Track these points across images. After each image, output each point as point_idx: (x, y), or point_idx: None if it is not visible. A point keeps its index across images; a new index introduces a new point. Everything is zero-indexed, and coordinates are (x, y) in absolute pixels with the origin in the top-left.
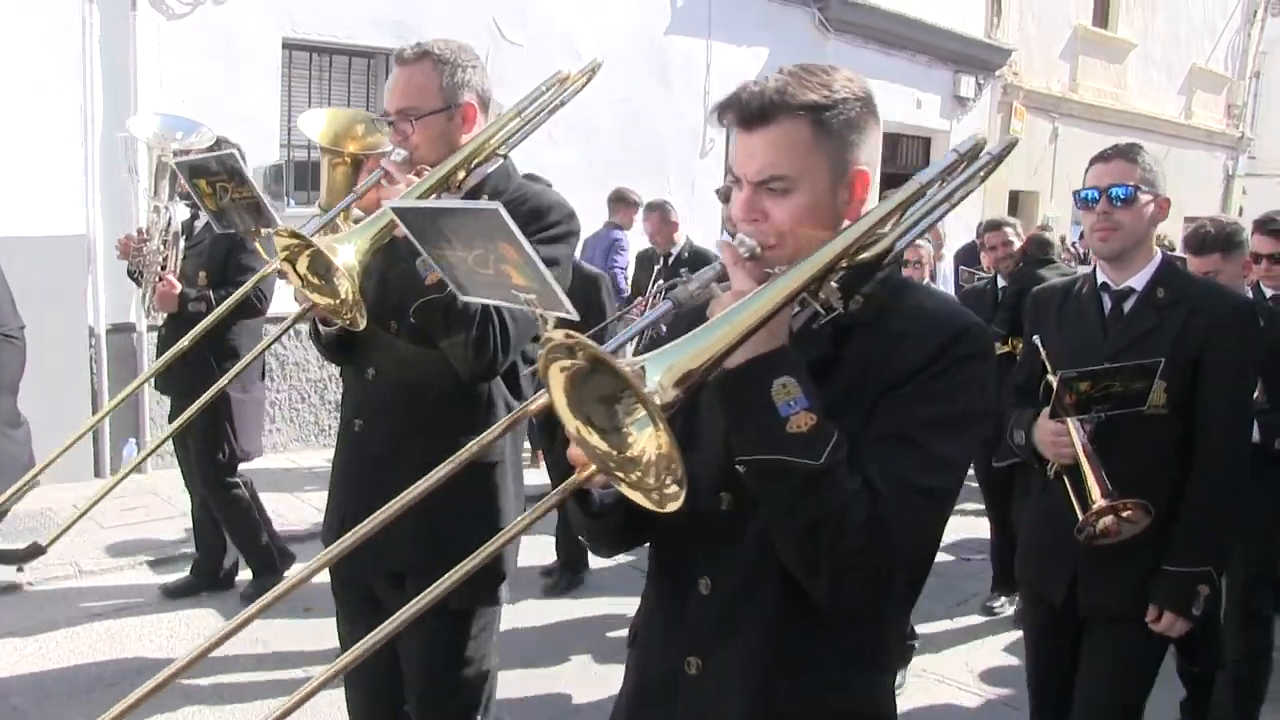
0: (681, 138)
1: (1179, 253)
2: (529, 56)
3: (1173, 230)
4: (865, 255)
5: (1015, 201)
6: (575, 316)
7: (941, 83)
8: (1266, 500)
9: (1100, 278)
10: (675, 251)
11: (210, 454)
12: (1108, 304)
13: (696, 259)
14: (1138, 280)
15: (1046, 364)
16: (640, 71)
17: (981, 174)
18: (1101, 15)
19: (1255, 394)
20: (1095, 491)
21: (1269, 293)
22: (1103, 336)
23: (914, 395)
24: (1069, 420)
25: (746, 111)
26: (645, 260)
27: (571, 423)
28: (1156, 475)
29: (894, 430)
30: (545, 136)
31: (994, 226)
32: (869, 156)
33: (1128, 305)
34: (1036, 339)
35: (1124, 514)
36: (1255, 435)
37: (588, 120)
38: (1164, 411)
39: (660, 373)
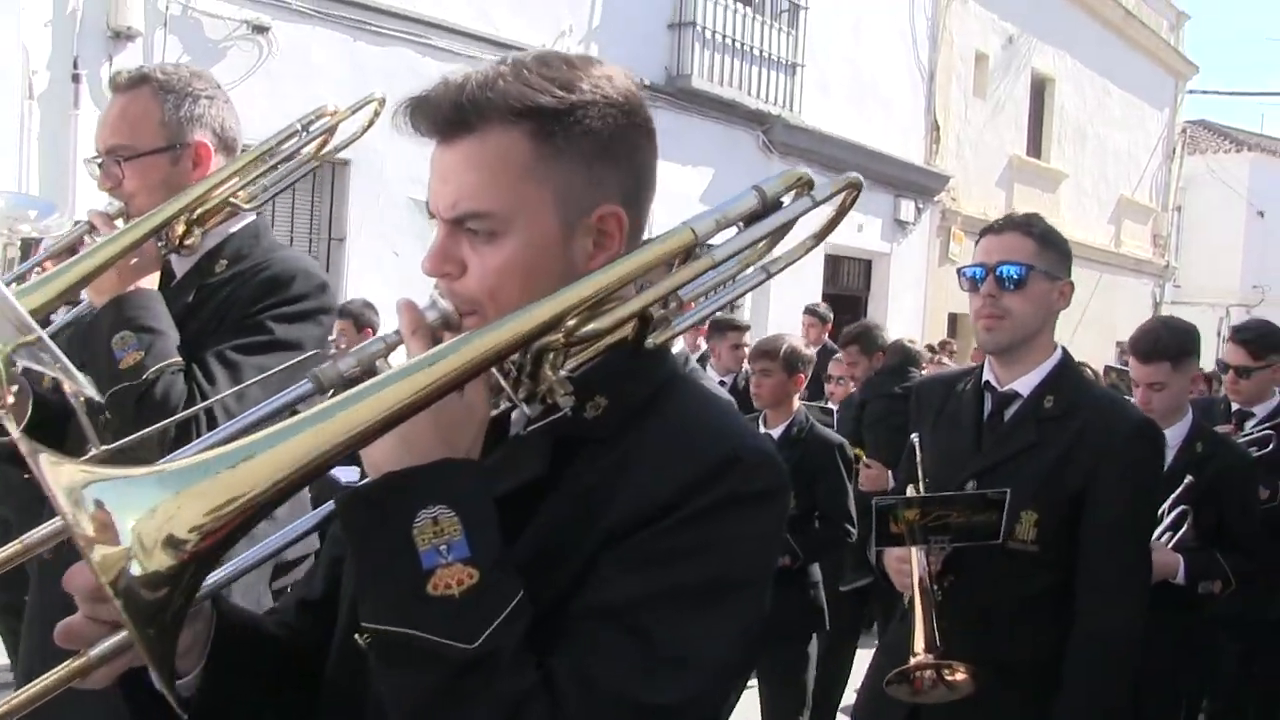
0: None
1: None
2: None
3: (1106, 354)
4: (594, 325)
5: (955, 323)
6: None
7: (882, 206)
8: (1177, 653)
9: (986, 374)
10: None
11: None
12: (989, 407)
13: None
14: (1025, 383)
15: (919, 469)
16: None
17: (813, 238)
18: (1035, 146)
19: (1184, 529)
20: (918, 640)
21: (1234, 407)
22: (976, 447)
23: (640, 554)
24: (911, 548)
25: (437, 114)
26: None
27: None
28: (1023, 626)
29: (605, 606)
30: None
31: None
32: (629, 191)
33: (1009, 412)
34: (915, 438)
35: (948, 675)
36: (1181, 576)
37: None
38: (1033, 549)
39: (141, 514)
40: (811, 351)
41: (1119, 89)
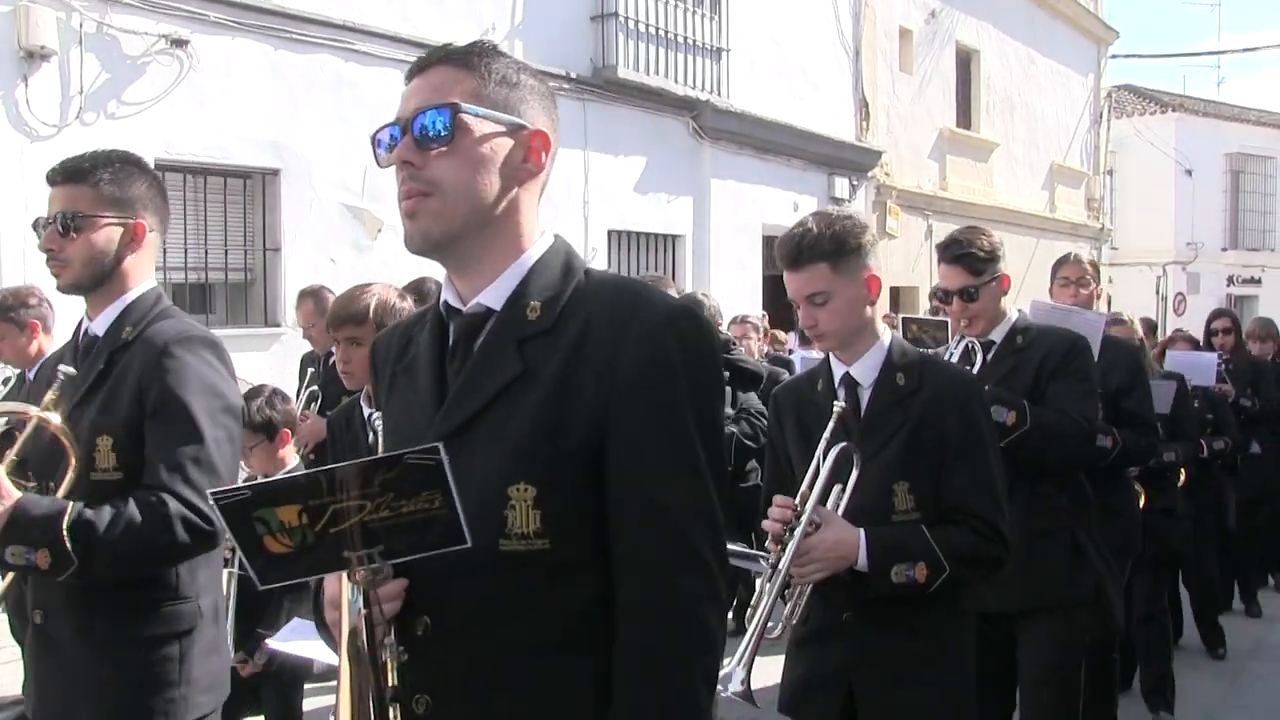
0: None
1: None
2: None
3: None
4: None
5: (896, 297)
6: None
7: (817, 185)
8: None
9: (836, 369)
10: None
11: None
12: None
13: None
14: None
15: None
16: None
17: None
18: (965, 118)
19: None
20: None
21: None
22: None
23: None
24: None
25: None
26: (305, 362)
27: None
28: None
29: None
30: None
31: None
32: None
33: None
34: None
35: None
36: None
37: None
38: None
39: None
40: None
41: (1043, 57)
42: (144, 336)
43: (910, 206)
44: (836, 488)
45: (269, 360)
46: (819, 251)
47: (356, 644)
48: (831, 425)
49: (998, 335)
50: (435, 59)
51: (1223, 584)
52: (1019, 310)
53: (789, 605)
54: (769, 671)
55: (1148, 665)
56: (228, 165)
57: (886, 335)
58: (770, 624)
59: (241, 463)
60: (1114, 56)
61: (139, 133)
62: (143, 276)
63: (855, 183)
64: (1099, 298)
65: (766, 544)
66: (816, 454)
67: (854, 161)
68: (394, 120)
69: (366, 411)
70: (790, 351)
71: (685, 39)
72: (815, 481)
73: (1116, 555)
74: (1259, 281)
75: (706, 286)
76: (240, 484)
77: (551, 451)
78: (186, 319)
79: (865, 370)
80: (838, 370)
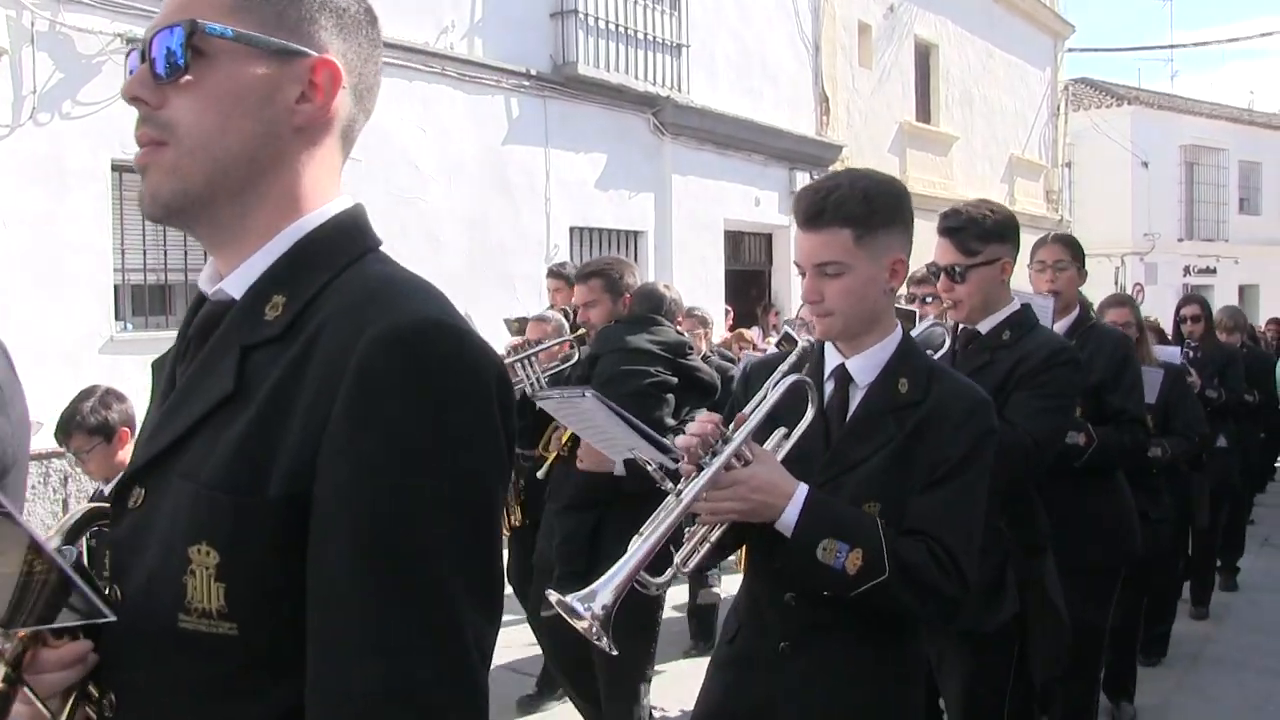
0: (527, 246)
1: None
2: (369, 170)
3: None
4: None
5: None
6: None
7: (778, 180)
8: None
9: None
10: None
11: None
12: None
13: None
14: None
15: None
16: (482, 183)
17: None
18: (924, 111)
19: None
20: None
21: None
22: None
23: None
24: None
25: None
26: None
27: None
28: None
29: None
30: (390, 252)
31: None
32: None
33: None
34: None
35: None
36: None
37: (433, 233)
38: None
39: None
40: None
41: (1001, 51)
42: None
43: None
44: (780, 431)
45: None
46: (845, 213)
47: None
48: (793, 358)
49: (985, 326)
50: None
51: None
52: (1024, 305)
53: (682, 551)
54: (689, 687)
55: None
56: None
57: (898, 332)
58: (654, 576)
59: (80, 469)
60: (1070, 50)
61: (95, 133)
62: None
63: (816, 177)
64: (1083, 281)
65: (681, 465)
66: (766, 384)
67: (815, 156)
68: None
69: None
70: (755, 350)
71: (645, 35)
72: (756, 412)
73: (1099, 573)
74: (1214, 271)
75: (669, 282)
76: None
77: (242, 505)
78: None
79: (864, 367)
80: (831, 360)
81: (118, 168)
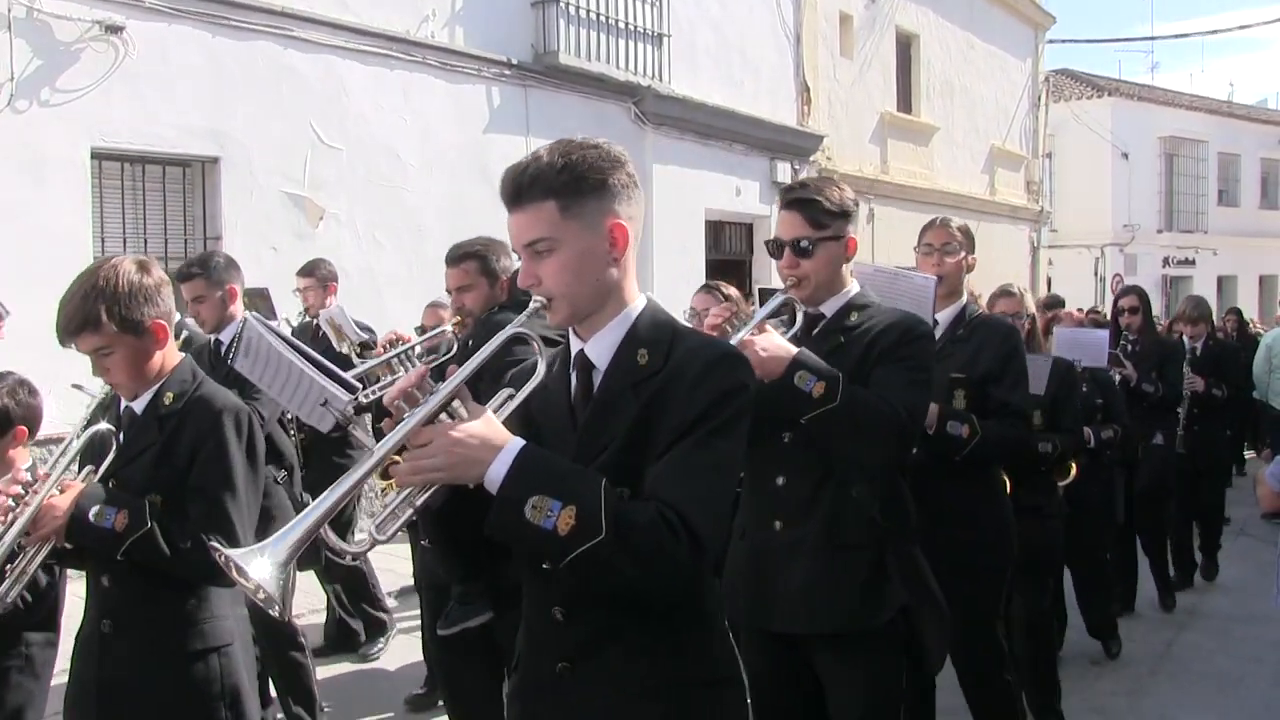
0: (507, 235)
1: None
2: (349, 160)
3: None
4: None
5: None
6: None
7: (759, 170)
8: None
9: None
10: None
11: None
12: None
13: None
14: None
15: None
16: (462, 172)
17: None
18: (905, 102)
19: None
20: None
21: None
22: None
23: None
24: None
25: None
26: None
27: None
28: None
29: None
30: (372, 240)
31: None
32: None
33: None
34: None
35: None
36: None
37: (414, 223)
38: None
39: None
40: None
41: (982, 42)
42: None
43: (854, 189)
44: (504, 391)
45: None
46: (545, 185)
47: None
48: (525, 314)
49: (830, 309)
50: None
51: (1124, 584)
52: (860, 285)
53: (379, 516)
54: None
55: (1034, 677)
56: (166, 154)
57: (639, 303)
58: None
59: None
60: (1051, 41)
61: (74, 121)
62: None
63: (797, 167)
64: (971, 269)
65: (384, 424)
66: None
67: (795, 146)
68: None
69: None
70: None
71: (626, 24)
72: (468, 364)
73: (988, 569)
74: (1193, 263)
75: (649, 272)
76: None
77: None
78: None
79: (601, 348)
80: (575, 348)
81: (97, 155)
